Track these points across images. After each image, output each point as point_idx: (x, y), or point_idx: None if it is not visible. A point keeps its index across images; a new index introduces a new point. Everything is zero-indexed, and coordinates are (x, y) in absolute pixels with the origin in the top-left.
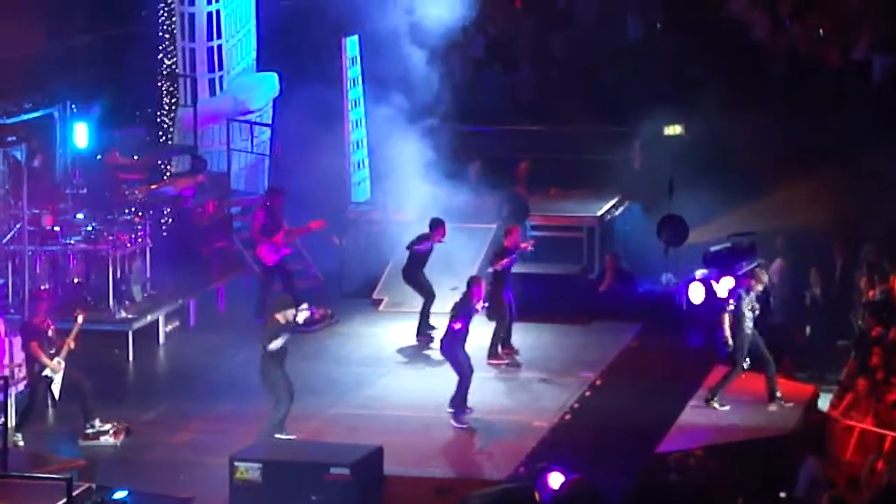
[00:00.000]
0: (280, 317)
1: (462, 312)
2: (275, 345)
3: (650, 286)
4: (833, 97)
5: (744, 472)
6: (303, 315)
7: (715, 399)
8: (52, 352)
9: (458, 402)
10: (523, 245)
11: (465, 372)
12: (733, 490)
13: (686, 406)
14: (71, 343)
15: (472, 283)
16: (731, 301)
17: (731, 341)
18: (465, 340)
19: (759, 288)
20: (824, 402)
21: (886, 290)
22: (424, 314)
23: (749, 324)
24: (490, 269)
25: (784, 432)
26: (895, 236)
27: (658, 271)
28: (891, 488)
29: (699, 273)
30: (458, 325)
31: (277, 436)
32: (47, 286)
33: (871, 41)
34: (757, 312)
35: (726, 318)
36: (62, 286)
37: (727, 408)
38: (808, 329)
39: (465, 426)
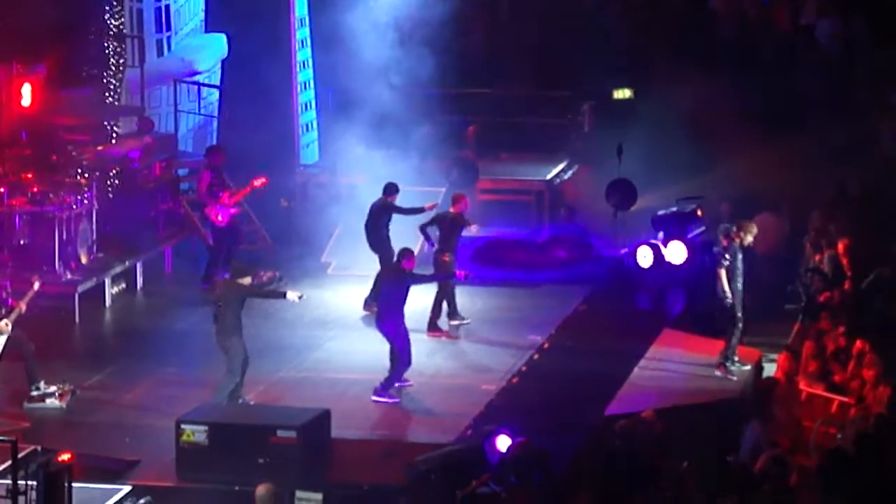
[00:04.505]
0: (243, 281)
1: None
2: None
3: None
4: (782, 62)
5: (691, 435)
6: (294, 295)
7: (729, 362)
8: (2, 313)
9: (392, 381)
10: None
11: (404, 352)
12: (680, 453)
13: (634, 369)
14: (22, 307)
15: (403, 255)
16: (726, 256)
17: (729, 297)
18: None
19: (750, 239)
20: (771, 366)
21: (833, 254)
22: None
23: (740, 280)
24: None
25: (731, 396)
26: (842, 201)
27: (607, 235)
28: (837, 453)
29: None
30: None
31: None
32: None
33: (819, 5)
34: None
35: (723, 274)
36: (8, 248)
37: (747, 367)
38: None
39: (390, 401)
